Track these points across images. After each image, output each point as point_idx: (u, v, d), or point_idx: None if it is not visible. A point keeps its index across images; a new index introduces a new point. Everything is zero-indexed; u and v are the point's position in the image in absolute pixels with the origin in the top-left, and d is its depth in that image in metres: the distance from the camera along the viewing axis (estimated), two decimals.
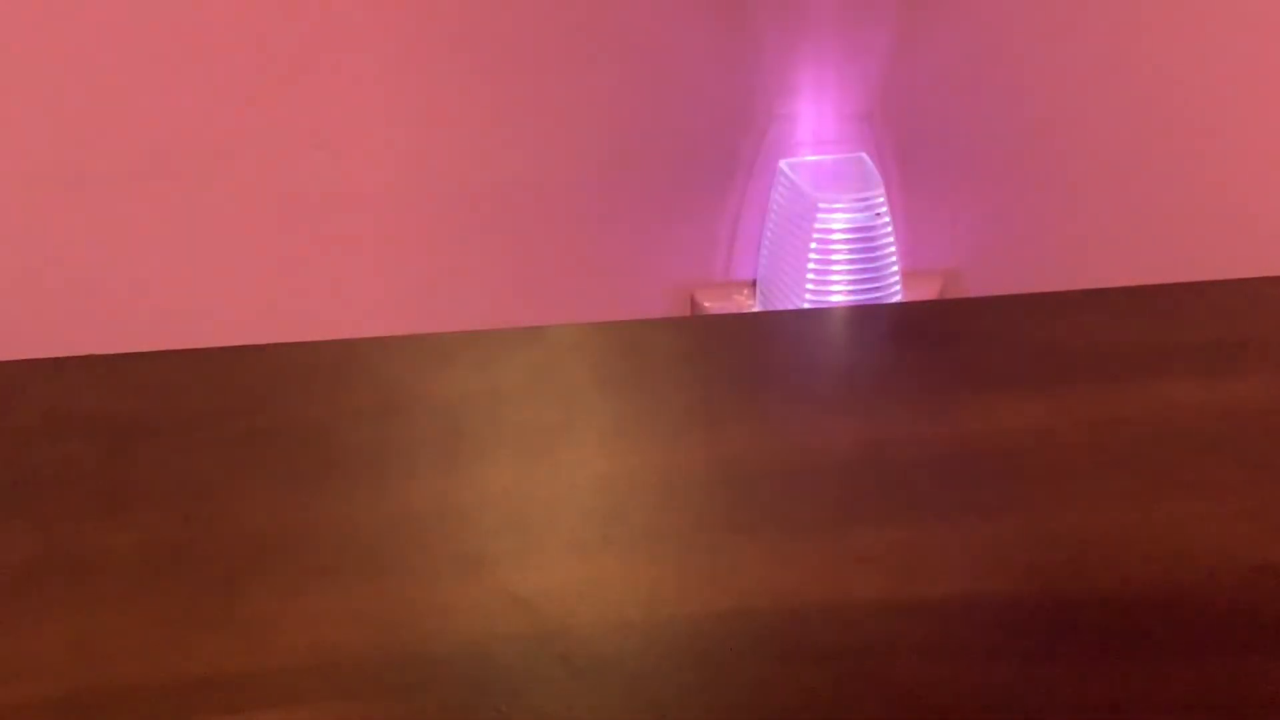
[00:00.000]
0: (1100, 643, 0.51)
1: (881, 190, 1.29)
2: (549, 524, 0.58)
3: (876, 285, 1.29)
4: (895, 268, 1.30)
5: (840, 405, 0.68)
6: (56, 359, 0.72)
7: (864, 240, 1.28)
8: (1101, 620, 0.52)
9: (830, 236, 1.27)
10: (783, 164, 1.33)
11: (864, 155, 1.34)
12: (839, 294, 1.28)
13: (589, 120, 1.30)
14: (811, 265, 1.28)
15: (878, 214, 1.28)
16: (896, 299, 1.31)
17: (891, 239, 1.29)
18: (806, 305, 1.29)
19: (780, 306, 1.33)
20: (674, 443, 0.64)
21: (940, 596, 0.54)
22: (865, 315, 0.87)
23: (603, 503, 0.60)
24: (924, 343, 0.74)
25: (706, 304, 1.38)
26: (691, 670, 0.50)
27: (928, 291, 1.39)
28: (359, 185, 1.29)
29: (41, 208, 1.25)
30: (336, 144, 1.27)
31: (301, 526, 0.58)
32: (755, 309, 1.39)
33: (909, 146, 1.35)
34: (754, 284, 1.39)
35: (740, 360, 0.73)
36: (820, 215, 1.27)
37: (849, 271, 1.28)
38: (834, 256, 1.28)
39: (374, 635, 0.52)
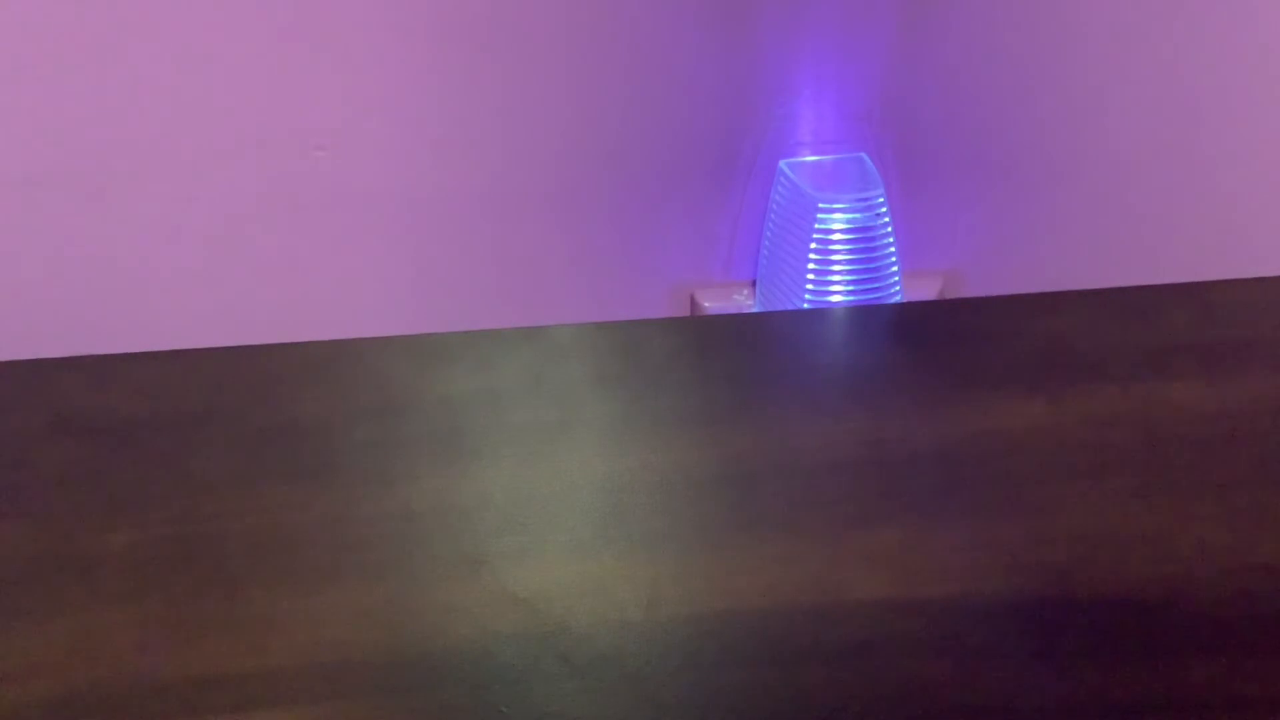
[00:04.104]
0: (1100, 643, 0.51)
1: (881, 190, 1.29)
2: (549, 524, 0.58)
3: (876, 285, 1.29)
4: (895, 268, 1.30)
5: (840, 405, 0.68)
6: (56, 359, 0.72)
7: (864, 240, 1.28)
8: (1101, 620, 0.52)
9: (830, 237, 1.27)
10: (783, 164, 1.33)
11: (864, 155, 1.34)
12: (839, 294, 1.28)
13: (588, 120, 1.30)
14: (811, 265, 1.27)
15: (878, 214, 1.28)
16: (896, 299, 1.31)
17: (891, 239, 1.29)
18: (806, 305, 1.29)
19: (780, 307, 1.33)
20: (673, 443, 0.64)
21: (940, 596, 0.54)
22: (865, 315, 0.87)
23: (603, 503, 0.60)
24: (924, 343, 0.74)
25: (706, 304, 1.38)
26: (691, 670, 0.50)
27: (928, 291, 1.39)
28: (359, 185, 1.29)
29: (41, 208, 1.25)
30: (336, 144, 1.27)
31: (301, 526, 0.58)
32: (755, 309, 1.39)
33: (909, 146, 1.35)
34: (754, 284, 1.39)
35: (740, 360, 0.73)
36: (820, 215, 1.26)
37: (849, 272, 1.28)
38: (834, 257, 1.28)
39: (374, 635, 0.52)
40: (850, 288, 1.28)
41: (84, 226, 1.26)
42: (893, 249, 1.29)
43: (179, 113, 1.24)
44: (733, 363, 0.72)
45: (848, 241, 1.28)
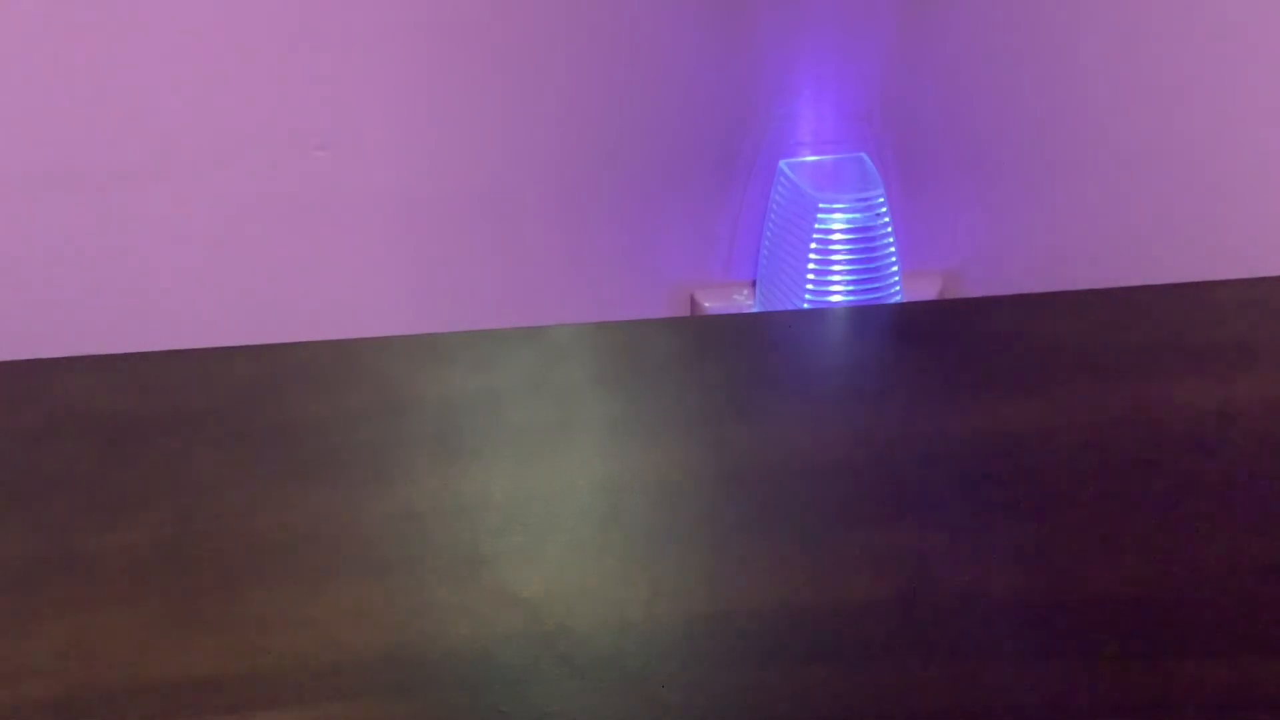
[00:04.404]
0: (1100, 643, 0.51)
1: (881, 190, 1.29)
2: (549, 524, 0.58)
3: (876, 286, 1.29)
4: (895, 268, 1.30)
5: (840, 405, 0.68)
6: (56, 359, 0.72)
7: (864, 240, 1.28)
8: (1101, 620, 0.52)
9: (830, 237, 1.27)
10: (783, 164, 1.33)
11: (864, 155, 1.34)
12: (839, 294, 1.28)
13: (588, 120, 1.30)
14: (811, 265, 1.27)
15: (878, 214, 1.28)
16: (896, 299, 1.31)
17: (891, 239, 1.29)
18: (806, 305, 1.29)
19: (780, 307, 1.33)
20: (673, 443, 0.64)
21: (940, 596, 0.54)
22: (865, 315, 0.87)
23: (603, 503, 0.60)
24: (924, 343, 0.74)
25: (706, 304, 1.38)
26: (691, 670, 0.50)
27: (928, 292, 1.39)
28: (359, 185, 1.29)
29: (41, 208, 1.25)
30: (336, 144, 1.27)
31: (301, 526, 0.58)
32: (755, 309, 1.39)
33: (909, 147, 1.35)
34: (754, 284, 1.39)
35: (740, 360, 0.73)
36: (820, 215, 1.27)
37: (849, 272, 1.28)
38: (834, 257, 1.28)
39: (374, 635, 0.52)
40: (850, 288, 1.28)
41: (84, 226, 1.26)
42: (893, 249, 1.29)
43: (179, 113, 1.24)
44: (733, 363, 0.72)
45: (848, 241, 1.28)
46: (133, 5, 1.19)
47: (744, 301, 1.39)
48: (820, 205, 1.26)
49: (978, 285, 1.41)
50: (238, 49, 1.22)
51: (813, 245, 1.27)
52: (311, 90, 1.25)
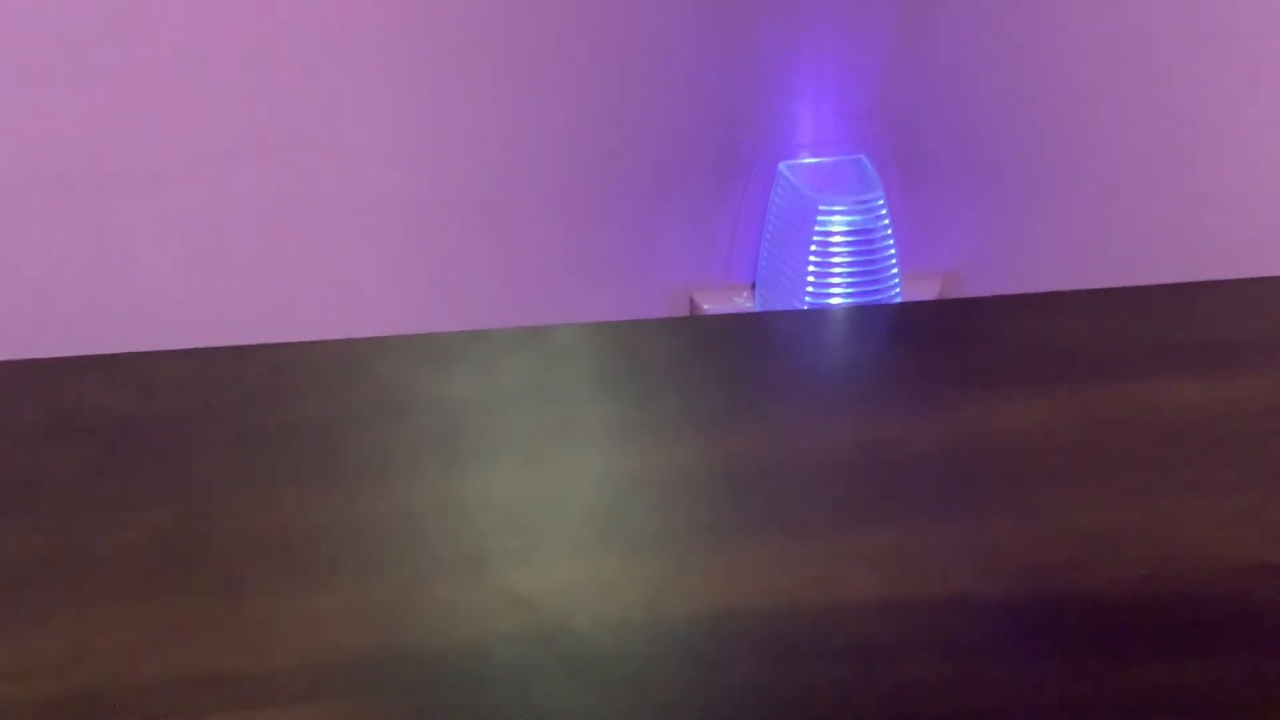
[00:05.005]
0: (1099, 643, 0.51)
1: (881, 192, 1.29)
2: (549, 524, 0.58)
3: (876, 287, 1.29)
4: (895, 270, 1.30)
5: (840, 405, 0.68)
6: (56, 359, 0.72)
7: (864, 242, 1.28)
8: (1100, 620, 0.52)
9: (830, 239, 1.27)
10: (782, 166, 1.33)
11: (863, 157, 1.34)
12: (839, 296, 1.28)
13: (588, 120, 1.30)
14: (811, 268, 1.27)
15: (877, 216, 1.28)
16: (896, 301, 1.31)
17: (891, 241, 1.29)
18: (806, 308, 1.29)
19: (780, 309, 1.33)
20: (674, 443, 0.64)
21: (940, 596, 0.54)
22: (865, 316, 0.87)
23: (603, 503, 0.60)
24: (924, 343, 0.74)
25: (706, 306, 1.38)
26: (691, 670, 0.50)
27: (928, 293, 1.39)
28: (359, 185, 1.29)
29: (41, 208, 1.25)
30: (336, 144, 1.27)
31: (301, 526, 0.58)
32: (755, 311, 1.39)
33: (908, 148, 1.35)
34: (753, 286, 1.39)
35: (739, 361, 0.73)
36: (820, 217, 1.27)
37: (849, 274, 1.28)
38: (834, 259, 1.28)
39: (374, 635, 0.52)
40: (850, 290, 1.28)
41: (83, 226, 1.26)
42: (892, 251, 1.29)
43: (179, 113, 1.24)
44: (733, 363, 0.72)
45: (848, 244, 1.28)
46: (132, 5, 1.19)
47: (744, 303, 1.39)
48: (820, 207, 1.26)
49: (978, 285, 1.41)
50: (237, 49, 1.22)
51: (813, 247, 1.27)
52: (311, 90, 1.25)
